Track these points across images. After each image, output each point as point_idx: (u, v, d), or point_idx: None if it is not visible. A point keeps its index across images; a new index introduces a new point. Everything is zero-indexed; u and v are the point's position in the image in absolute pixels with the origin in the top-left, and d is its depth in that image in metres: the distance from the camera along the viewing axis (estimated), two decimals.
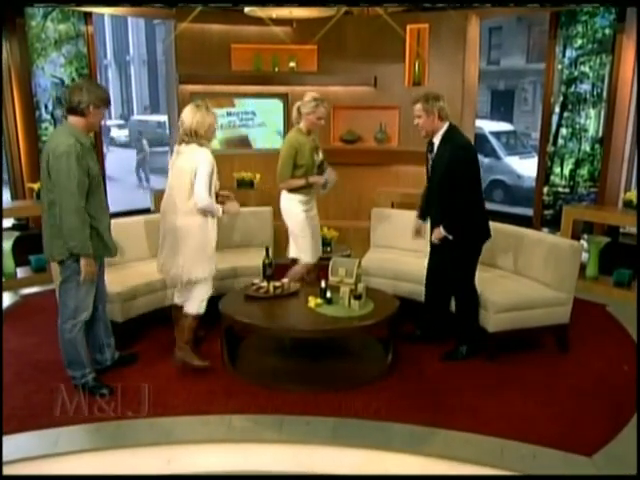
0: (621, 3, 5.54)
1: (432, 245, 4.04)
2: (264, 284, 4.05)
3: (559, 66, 6.38)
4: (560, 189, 6.64)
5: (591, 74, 6.24)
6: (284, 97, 6.76)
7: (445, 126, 3.79)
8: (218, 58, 6.55)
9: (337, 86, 6.74)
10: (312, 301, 3.82)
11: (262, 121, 6.85)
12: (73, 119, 3.28)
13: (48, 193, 3.27)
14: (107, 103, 3.37)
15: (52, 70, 6.47)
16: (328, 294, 3.84)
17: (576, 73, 6.36)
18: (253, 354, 4.13)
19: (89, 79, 3.24)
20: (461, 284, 3.96)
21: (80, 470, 3.04)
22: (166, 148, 15.03)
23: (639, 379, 3.52)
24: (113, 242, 3.56)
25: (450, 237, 3.81)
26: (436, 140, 3.83)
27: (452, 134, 3.79)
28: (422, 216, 4.19)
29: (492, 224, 4.65)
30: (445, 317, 4.19)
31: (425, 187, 4.16)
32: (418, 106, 3.78)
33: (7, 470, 2.91)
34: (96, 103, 3.27)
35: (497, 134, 12.58)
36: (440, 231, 3.84)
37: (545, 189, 6.68)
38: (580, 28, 6.23)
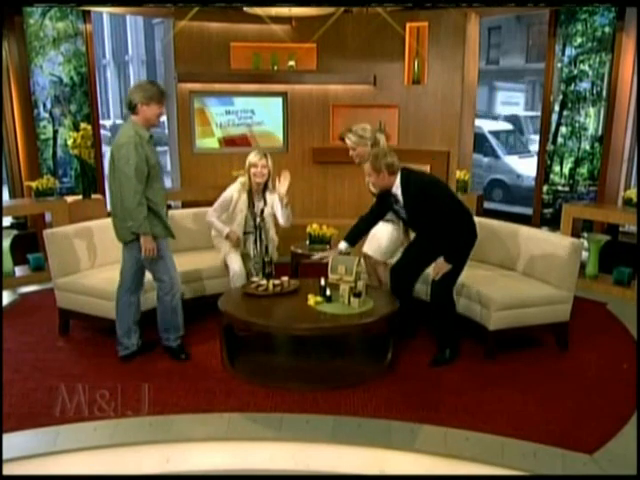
0: (621, 3, 5.54)
1: (410, 246, 4.15)
2: (263, 282, 4.04)
3: (559, 64, 6.38)
4: (560, 188, 6.65)
5: (591, 72, 6.25)
6: (283, 95, 6.75)
7: (398, 178, 3.83)
8: (217, 56, 6.54)
9: (336, 84, 6.73)
10: (312, 299, 3.81)
11: (261, 120, 6.83)
12: (132, 116, 3.67)
13: (114, 182, 3.68)
14: (155, 99, 3.62)
15: (51, 68, 6.47)
16: (328, 292, 3.83)
17: (576, 71, 6.38)
18: (252, 352, 4.11)
19: (148, 80, 3.73)
20: (445, 290, 3.95)
21: (79, 469, 3.02)
22: (165, 148, 14.99)
23: (639, 377, 3.51)
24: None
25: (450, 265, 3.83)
26: (396, 190, 3.87)
27: (410, 179, 3.84)
28: (352, 242, 4.11)
29: (492, 222, 4.69)
30: (411, 308, 4.15)
31: (367, 212, 4.14)
32: (367, 165, 3.84)
33: (5, 469, 2.89)
34: (143, 101, 3.60)
35: (496, 133, 12.56)
36: (445, 265, 3.83)
37: (545, 188, 6.67)
38: (580, 26, 6.24)
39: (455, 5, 5.93)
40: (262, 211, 4.57)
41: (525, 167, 11.50)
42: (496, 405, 3.45)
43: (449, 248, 3.84)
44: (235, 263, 4.46)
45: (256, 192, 4.55)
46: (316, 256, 4.18)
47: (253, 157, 4.50)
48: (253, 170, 4.47)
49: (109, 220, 3.99)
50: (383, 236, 4.38)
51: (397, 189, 3.86)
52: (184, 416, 3.32)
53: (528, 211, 7.09)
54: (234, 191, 4.53)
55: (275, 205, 4.57)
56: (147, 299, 4.17)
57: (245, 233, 4.57)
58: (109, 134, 16.92)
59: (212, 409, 3.38)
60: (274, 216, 4.62)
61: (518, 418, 3.31)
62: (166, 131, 11.35)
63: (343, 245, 4.09)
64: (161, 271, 3.86)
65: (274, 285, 4.01)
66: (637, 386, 3.44)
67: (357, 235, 4.14)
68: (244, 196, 4.52)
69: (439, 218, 3.77)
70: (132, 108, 3.64)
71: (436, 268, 3.88)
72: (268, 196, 4.60)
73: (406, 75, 6.60)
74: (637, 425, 3.18)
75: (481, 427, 3.20)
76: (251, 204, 4.54)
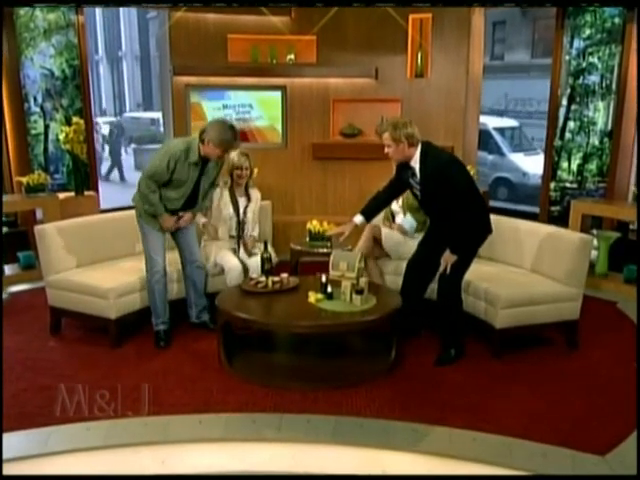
0: (621, 3, 5.57)
1: (426, 238, 4.12)
2: (262, 279, 4.04)
3: (567, 57, 6.38)
4: (567, 184, 6.65)
5: (600, 65, 6.25)
6: (282, 89, 6.75)
7: (418, 150, 3.75)
8: (214, 49, 6.53)
9: (337, 78, 6.71)
10: (312, 296, 3.81)
11: (259, 114, 6.83)
12: (198, 138, 4.01)
13: None
14: (223, 145, 3.95)
15: (41, 61, 6.46)
16: (329, 289, 3.83)
17: (584, 64, 6.38)
18: (251, 351, 4.12)
19: (229, 124, 4.03)
20: (453, 287, 3.93)
21: (72, 470, 3.01)
22: (160, 146, 15.02)
23: (639, 378, 3.56)
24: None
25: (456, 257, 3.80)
26: (414, 164, 3.78)
27: (430, 154, 3.74)
28: (369, 216, 4.11)
29: (498, 218, 4.68)
30: (420, 307, 4.18)
31: (386, 186, 4.12)
32: (386, 135, 3.75)
33: None
34: (215, 142, 3.93)
35: (501, 130, 12.57)
36: (451, 257, 3.81)
37: (552, 185, 6.67)
38: (589, 17, 6.23)
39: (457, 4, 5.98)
40: (246, 207, 4.74)
41: (531, 165, 11.50)
42: (503, 405, 3.45)
43: (457, 237, 3.79)
44: (229, 259, 4.53)
45: (237, 188, 4.74)
46: (332, 232, 4.26)
47: (236, 159, 4.63)
48: (238, 172, 4.64)
49: (103, 216, 4.07)
50: (390, 232, 4.58)
51: (415, 163, 3.77)
52: (180, 417, 3.32)
53: (534, 210, 7.09)
54: (217, 188, 4.68)
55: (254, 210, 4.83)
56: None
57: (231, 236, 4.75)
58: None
59: (209, 409, 3.37)
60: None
61: (526, 418, 3.31)
62: (161, 129, 11.43)
63: (359, 219, 4.07)
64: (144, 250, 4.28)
65: (273, 282, 4.01)
66: (637, 386, 3.47)
67: (374, 210, 4.10)
68: (225, 193, 4.70)
69: (452, 200, 3.66)
70: (201, 137, 3.97)
71: (443, 261, 3.87)
72: (251, 192, 4.81)
73: (409, 68, 6.60)
74: (637, 427, 3.19)
75: (488, 427, 3.20)
76: (234, 201, 4.70)
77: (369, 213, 4.09)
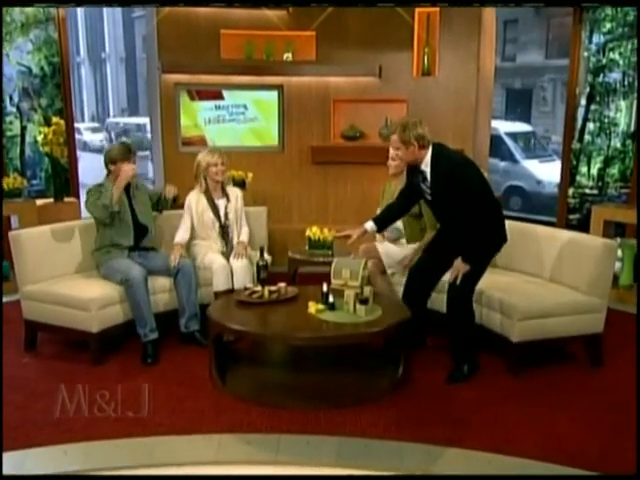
0: (621, 3, 5.60)
1: (432, 244, 4.15)
2: (258, 288, 4.02)
3: (585, 53, 6.40)
4: (587, 190, 6.64)
5: (621, 61, 6.25)
6: (279, 89, 6.76)
7: (429, 152, 3.77)
8: (205, 45, 6.54)
9: (338, 77, 6.73)
10: (312, 306, 3.78)
11: (254, 115, 6.84)
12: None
13: None
14: (112, 162, 4.40)
15: (18, 57, 6.46)
16: (330, 298, 3.80)
17: (604, 61, 6.38)
18: (245, 367, 4.10)
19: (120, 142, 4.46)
20: (463, 298, 3.92)
21: None
22: (147, 152, 15.05)
23: (639, 381, 3.58)
24: None
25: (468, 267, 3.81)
26: (425, 168, 3.80)
27: (442, 155, 3.76)
28: (381, 226, 4.19)
29: (513, 223, 4.69)
30: (423, 315, 4.19)
31: (396, 197, 4.22)
32: (394, 137, 3.80)
33: None
34: (109, 161, 4.45)
35: (514, 135, 12.60)
36: (463, 265, 3.81)
37: (570, 191, 6.67)
38: (609, 10, 6.24)
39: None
40: (226, 208, 4.78)
41: (546, 172, 11.53)
42: (522, 425, 3.41)
43: (471, 244, 3.79)
44: (217, 259, 4.57)
45: (214, 190, 4.77)
46: (340, 233, 4.26)
47: (210, 157, 4.71)
48: (214, 169, 4.69)
49: (85, 221, 4.17)
50: (392, 246, 4.59)
51: (426, 166, 3.78)
52: (168, 438, 3.28)
53: (551, 220, 7.09)
54: (192, 195, 4.77)
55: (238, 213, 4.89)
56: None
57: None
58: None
59: (200, 430, 3.33)
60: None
61: (547, 439, 3.26)
62: (148, 135, 11.44)
63: (370, 225, 4.14)
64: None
65: (270, 292, 3.98)
66: (637, 389, 3.51)
67: (387, 219, 4.19)
68: (202, 197, 4.74)
69: (466, 204, 3.66)
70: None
71: (454, 270, 3.85)
72: (229, 191, 4.87)
73: (415, 66, 6.62)
74: (637, 427, 3.20)
75: (505, 449, 3.16)
76: (212, 205, 4.74)
77: (382, 221, 4.17)
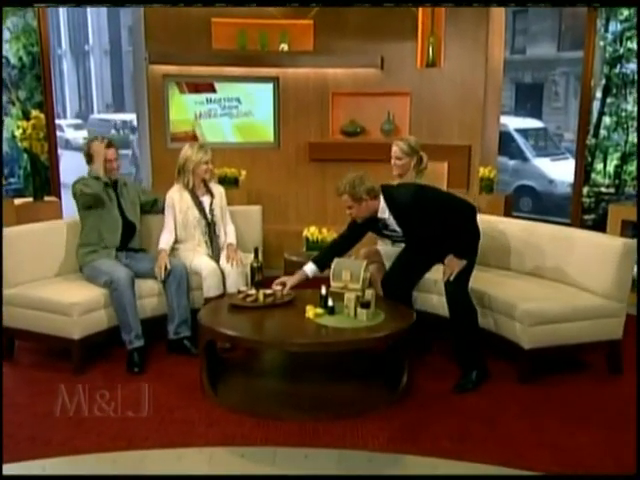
0: (621, 3, 5.64)
1: (401, 253, 4.31)
2: (252, 291, 4.00)
3: (601, 43, 6.40)
4: (603, 189, 6.62)
5: None
6: (274, 81, 6.77)
7: (381, 199, 3.97)
8: (196, 34, 6.56)
9: (337, 68, 6.76)
10: (310, 311, 3.77)
11: (248, 109, 6.84)
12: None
13: None
14: (91, 147, 4.45)
15: None
16: (330, 302, 3.79)
17: (622, 50, 6.37)
18: (238, 376, 4.10)
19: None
20: (462, 295, 3.98)
21: None
22: (127, 151, 15.12)
23: (639, 385, 3.67)
24: None
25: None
26: (383, 215, 4.01)
27: (393, 197, 3.98)
28: (321, 266, 4.18)
29: (525, 223, 4.71)
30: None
31: (339, 237, 4.37)
32: (345, 197, 3.94)
33: None
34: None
35: (524, 132, 12.62)
36: (457, 262, 3.94)
37: (585, 190, 6.66)
38: None
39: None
40: (211, 205, 4.78)
41: (559, 171, 11.54)
42: (536, 437, 3.40)
43: (458, 243, 3.98)
44: (206, 263, 4.56)
45: (197, 187, 4.79)
46: (275, 282, 4.14)
47: (203, 154, 4.70)
48: (204, 167, 4.71)
49: (66, 221, 4.32)
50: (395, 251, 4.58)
51: (383, 212, 4.00)
52: (156, 452, 3.26)
53: (564, 222, 7.06)
54: (173, 192, 4.76)
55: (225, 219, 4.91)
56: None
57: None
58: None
59: (190, 443, 3.32)
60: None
61: (563, 453, 3.25)
62: (132, 137, 11.46)
63: (310, 268, 4.17)
64: None
65: (265, 295, 3.97)
66: (637, 393, 3.62)
67: (329, 259, 4.14)
68: (186, 194, 4.73)
69: (441, 221, 3.92)
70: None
71: (449, 268, 3.95)
72: (212, 187, 4.89)
73: (419, 56, 6.59)
74: (637, 428, 3.23)
75: (518, 463, 3.14)
76: (197, 202, 4.74)
77: (324, 262, 4.17)
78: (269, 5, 6.44)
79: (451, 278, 3.94)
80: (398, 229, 4.06)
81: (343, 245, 4.29)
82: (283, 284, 4.10)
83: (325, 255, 4.24)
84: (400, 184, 4.22)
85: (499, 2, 6.29)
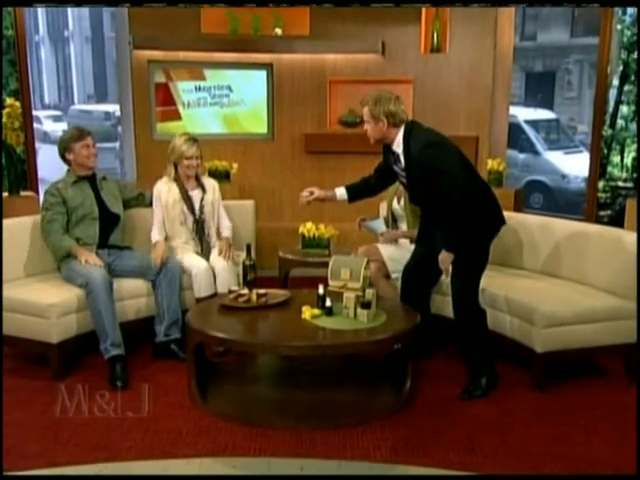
0: (621, 3, 5.66)
1: (420, 234, 4.24)
2: (245, 291, 4.00)
3: (618, 26, 6.40)
4: (620, 183, 6.64)
5: None
6: (268, 68, 6.76)
7: (400, 131, 3.86)
8: (183, 17, 6.53)
9: (335, 54, 6.76)
10: (307, 312, 3.76)
11: (240, 98, 6.83)
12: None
13: None
14: (67, 145, 4.47)
15: None
16: (328, 302, 3.78)
17: None
18: (229, 382, 4.10)
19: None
20: (466, 298, 3.92)
21: None
22: (116, 144, 15.09)
23: (639, 385, 3.75)
24: None
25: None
26: (397, 149, 3.91)
27: (413, 135, 3.84)
28: (352, 197, 4.32)
29: (535, 218, 4.71)
30: (428, 319, 4.21)
31: (372, 175, 4.33)
32: (365, 110, 3.90)
33: None
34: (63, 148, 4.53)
35: (535, 123, 12.62)
36: (447, 256, 3.84)
37: (600, 184, 6.67)
38: None
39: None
40: (202, 200, 4.76)
41: (572, 165, 11.56)
42: (551, 446, 3.39)
43: (451, 231, 3.80)
44: (196, 261, 4.56)
45: (187, 180, 4.76)
46: (305, 191, 4.35)
47: (186, 148, 4.66)
48: (186, 163, 4.67)
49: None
50: (396, 249, 4.67)
51: (398, 147, 3.89)
52: (141, 463, 3.25)
53: (578, 219, 7.08)
54: (161, 185, 4.75)
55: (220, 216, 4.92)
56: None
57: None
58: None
59: (178, 453, 3.31)
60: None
61: (581, 462, 3.24)
62: (119, 128, 11.42)
63: (341, 192, 4.30)
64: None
65: (258, 295, 3.97)
66: (637, 393, 3.71)
67: (360, 192, 4.31)
68: (174, 187, 4.71)
69: (442, 187, 3.73)
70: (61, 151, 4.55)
71: (441, 264, 3.89)
72: (205, 182, 4.86)
73: (423, 42, 6.64)
74: (637, 428, 3.25)
75: (532, 474, 3.14)
76: (186, 197, 4.71)
77: (355, 193, 4.31)
78: (269, 5, 6.43)
79: (445, 275, 3.91)
80: (404, 174, 3.97)
81: (374, 183, 4.30)
82: (311, 192, 4.23)
83: (357, 187, 4.31)
84: (430, 128, 3.98)
85: (500, 2, 6.34)
